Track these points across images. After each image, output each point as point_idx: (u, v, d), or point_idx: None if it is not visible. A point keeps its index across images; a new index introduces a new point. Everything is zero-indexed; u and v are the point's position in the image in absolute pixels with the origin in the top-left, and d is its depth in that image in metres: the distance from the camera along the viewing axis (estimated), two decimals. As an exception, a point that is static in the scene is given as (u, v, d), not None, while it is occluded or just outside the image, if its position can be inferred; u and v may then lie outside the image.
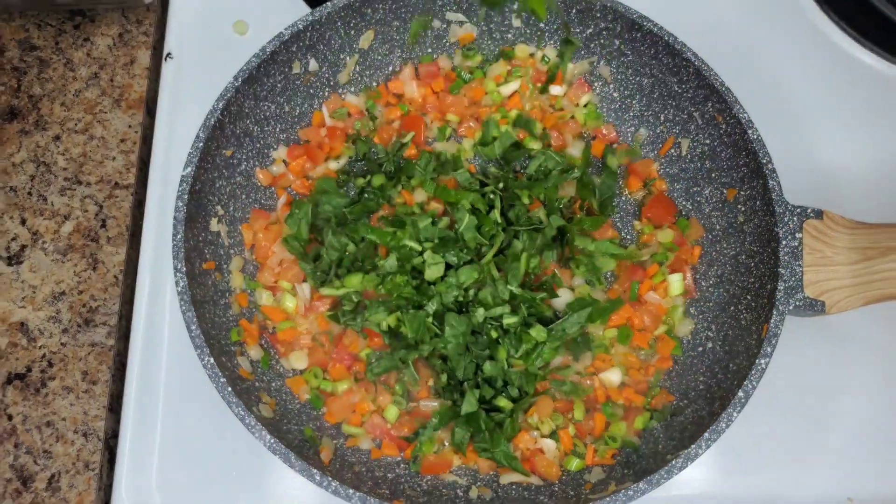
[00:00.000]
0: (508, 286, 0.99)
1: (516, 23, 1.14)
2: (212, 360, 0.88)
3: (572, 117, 1.15)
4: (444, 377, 0.99)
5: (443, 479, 0.97)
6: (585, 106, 1.16)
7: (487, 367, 0.98)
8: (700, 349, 1.03)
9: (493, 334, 0.99)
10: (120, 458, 1.01)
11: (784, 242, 0.95)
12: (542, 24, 1.14)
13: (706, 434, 0.87)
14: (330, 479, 0.84)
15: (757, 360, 0.90)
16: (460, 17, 1.13)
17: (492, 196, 1.06)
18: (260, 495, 1.01)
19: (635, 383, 1.03)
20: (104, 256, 1.11)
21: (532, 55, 1.16)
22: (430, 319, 0.98)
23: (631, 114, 1.15)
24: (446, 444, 0.99)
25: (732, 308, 1.01)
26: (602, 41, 1.12)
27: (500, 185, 1.07)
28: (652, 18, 1.05)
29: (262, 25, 1.23)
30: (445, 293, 0.99)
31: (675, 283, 1.06)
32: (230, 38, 1.24)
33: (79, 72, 1.20)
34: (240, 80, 1.00)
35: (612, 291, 1.07)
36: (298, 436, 0.94)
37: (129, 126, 1.18)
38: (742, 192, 1.02)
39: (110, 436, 1.05)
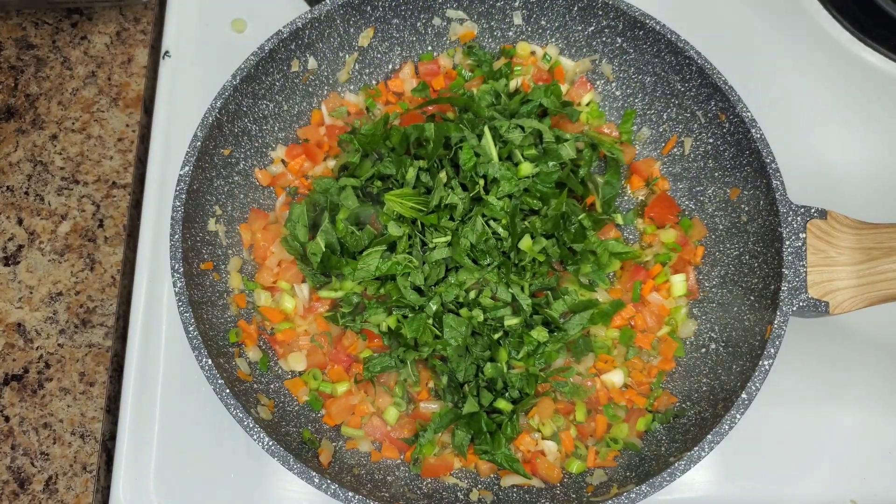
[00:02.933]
0: (510, 289, 0.98)
1: (517, 20, 1.13)
2: (210, 361, 0.87)
3: (574, 116, 1.14)
4: (444, 378, 0.99)
5: (443, 482, 0.96)
6: (587, 104, 1.15)
7: (488, 368, 0.97)
8: (703, 350, 1.02)
9: (494, 336, 0.98)
10: (117, 460, 1.01)
11: (788, 242, 0.94)
12: (543, 23, 1.13)
13: (709, 436, 0.86)
14: (329, 481, 0.83)
15: (760, 362, 0.89)
16: (461, 14, 1.12)
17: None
18: (258, 498, 1.00)
19: (637, 384, 1.02)
20: (101, 256, 1.10)
21: (533, 53, 1.16)
22: (430, 321, 0.97)
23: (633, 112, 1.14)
24: (447, 446, 0.98)
25: (736, 309, 1.00)
26: (604, 39, 1.11)
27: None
28: (654, 16, 1.04)
29: (261, 23, 1.23)
30: (445, 293, 0.98)
31: (678, 283, 1.05)
32: (228, 37, 1.23)
33: (76, 70, 1.19)
34: (238, 78, 0.99)
35: (615, 292, 1.06)
36: (297, 438, 0.93)
37: (127, 125, 1.17)
38: (745, 192, 1.01)
39: (108, 437, 1.04)
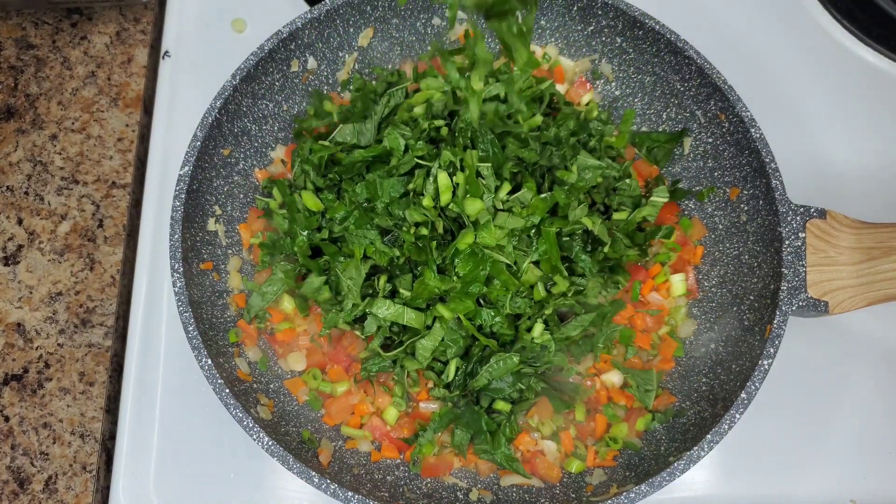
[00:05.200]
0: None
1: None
2: (209, 361, 0.87)
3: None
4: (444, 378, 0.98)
5: (443, 482, 0.96)
6: (587, 104, 1.15)
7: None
8: (703, 350, 1.02)
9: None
10: (117, 459, 1.01)
11: (787, 242, 0.94)
12: (542, 22, 1.13)
13: (709, 436, 0.86)
14: (328, 481, 0.83)
15: (760, 361, 0.89)
16: (461, 14, 1.13)
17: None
18: (258, 497, 1.00)
19: (637, 384, 1.02)
20: (101, 256, 1.10)
21: (533, 53, 1.15)
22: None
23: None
24: (447, 446, 0.98)
25: (735, 308, 1.00)
26: (603, 39, 1.11)
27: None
28: (654, 16, 1.04)
29: (261, 23, 1.23)
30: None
31: (678, 283, 1.05)
32: (228, 37, 1.23)
33: (76, 70, 1.19)
34: (238, 78, 0.99)
35: (614, 292, 1.06)
36: (297, 438, 0.93)
37: (127, 125, 1.17)
38: (745, 192, 1.01)
39: (107, 437, 1.04)
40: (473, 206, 0.92)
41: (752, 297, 0.98)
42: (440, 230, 0.95)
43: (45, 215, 1.11)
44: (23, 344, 1.05)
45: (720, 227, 1.06)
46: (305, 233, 0.99)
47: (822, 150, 1.19)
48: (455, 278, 0.93)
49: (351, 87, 1.12)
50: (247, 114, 1.04)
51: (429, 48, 1.15)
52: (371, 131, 1.02)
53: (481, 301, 0.96)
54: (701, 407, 0.95)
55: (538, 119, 1.02)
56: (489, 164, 0.95)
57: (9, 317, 1.07)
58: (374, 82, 1.11)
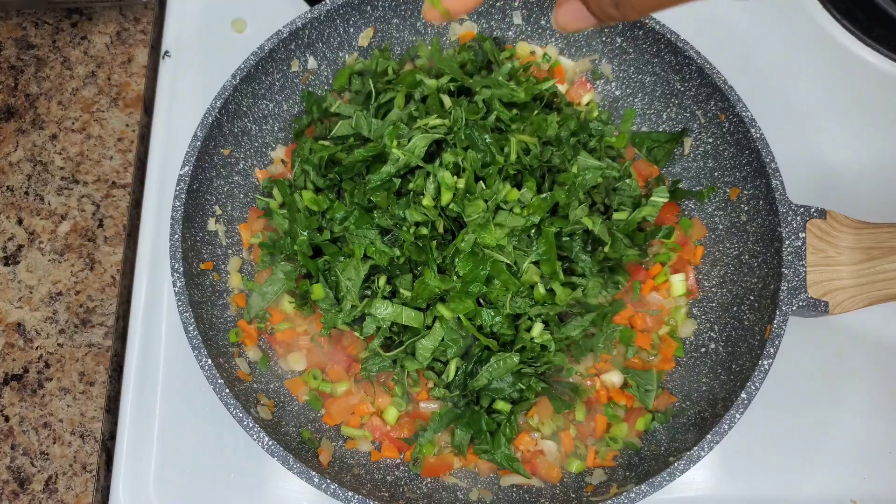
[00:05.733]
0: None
1: (517, 20, 1.13)
2: (209, 361, 0.87)
3: (573, 116, 1.14)
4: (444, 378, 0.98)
5: (443, 482, 0.96)
6: (587, 104, 1.15)
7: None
8: (703, 350, 1.02)
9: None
10: (117, 459, 1.01)
11: (787, 242, 0.94)
12: (543, 23, 1.13)
13: (709, 436, 0.86)
14: (328, 481, 0.83)
15: (760, 361, 0.89)
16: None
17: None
18: (258, 497, 1.00)
19: (637, 384, 1.02)
20: (101, 256, 1.10)
21: (533, 53, 1.16)
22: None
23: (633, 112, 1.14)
24: (447, 446, 0.98)
25: (735, 308, 1.00)
26: (603, 39, 1.11)
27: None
28: (653, 16, 1.04)
29: (261, 23, 1.23)
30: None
31: (678, 283, 1.05)
32: (228, 37, 1.23)
33: (76, 70, 1.19)
34: (238, 78, 0.99)
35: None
36: (297, 438, 0.93)
37: (127, 125, 1.17)
38: (745, 192, 1.01)
39: (107, 437, 1.04)
40: (474, 206, 0.92)
41: (752, 297, 0.98)
42: (440, 230, 0.95)
43: (45, 215, 1.11)
44: (23, 344, 1.05)
45: (720, 227, 1.06)
46: (306, 233, 0.99)
47: (822, 150, 1.19)
48: (455, 278, 0.93)
49: (351, 88, 1.12)
50: (247, 114, 1.04)
51: (429, 48, 1.15)
52: (370, 115, 1.01)
53: (481, 301, 0.96)
54: (701, 407, 0.95)
55: (553, 119, 1.01)
56: (491, 166, 0.95)
57: (9, 317, 1.07)
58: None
